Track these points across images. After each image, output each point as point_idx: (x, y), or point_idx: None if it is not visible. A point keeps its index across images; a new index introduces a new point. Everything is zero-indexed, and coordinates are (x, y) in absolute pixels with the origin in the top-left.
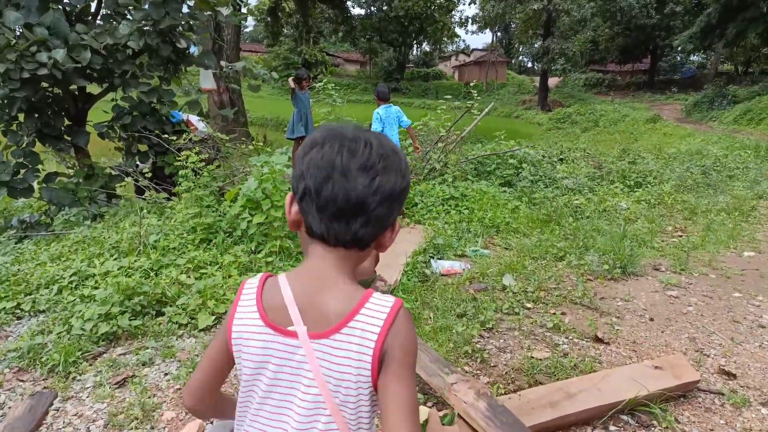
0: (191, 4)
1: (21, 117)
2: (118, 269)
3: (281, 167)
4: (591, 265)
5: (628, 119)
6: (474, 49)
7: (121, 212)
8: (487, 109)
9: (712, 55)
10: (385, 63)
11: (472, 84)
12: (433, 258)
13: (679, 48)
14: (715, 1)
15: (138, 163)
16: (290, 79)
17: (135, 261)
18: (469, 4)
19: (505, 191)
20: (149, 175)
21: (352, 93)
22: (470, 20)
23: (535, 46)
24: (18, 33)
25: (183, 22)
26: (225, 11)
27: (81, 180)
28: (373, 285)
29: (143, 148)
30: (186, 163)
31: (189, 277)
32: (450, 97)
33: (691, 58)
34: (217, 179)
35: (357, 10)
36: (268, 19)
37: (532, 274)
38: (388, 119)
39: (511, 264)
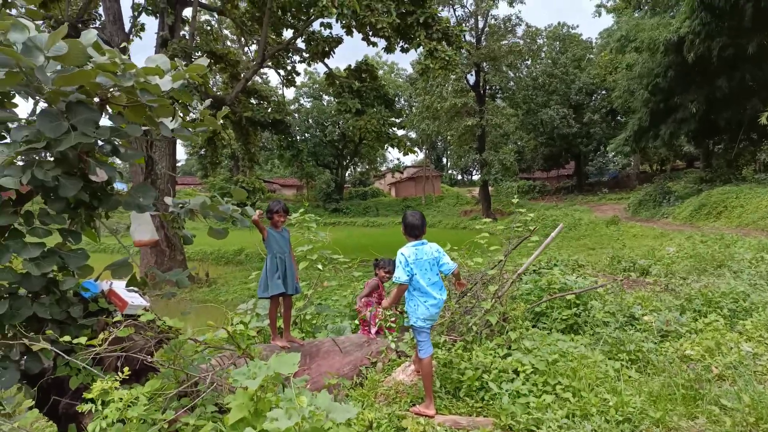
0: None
1: None
2: None
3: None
4: None
5: (584, 222)
6: (406, 167)
7: None
8: (555, 232)
9: (632, 157)
10: (324, 185)
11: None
12: None
13: (614, 152)
14: (644, 105)
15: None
16: (256, 214)
17: None
18: (399, 127)
19: (578, 343)
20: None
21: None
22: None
23: (463, 159)
24: None
25: (101, 141)
26: (171, 124)
27: None
28: None
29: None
30: (99, 405)
31: None
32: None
33: (614, 160)
34: (163, 401)
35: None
36: (203, 151)
37: None
38: (419, 264)
39: None
